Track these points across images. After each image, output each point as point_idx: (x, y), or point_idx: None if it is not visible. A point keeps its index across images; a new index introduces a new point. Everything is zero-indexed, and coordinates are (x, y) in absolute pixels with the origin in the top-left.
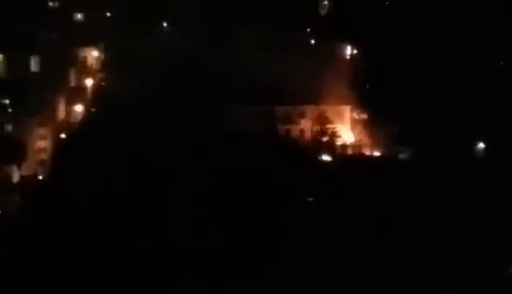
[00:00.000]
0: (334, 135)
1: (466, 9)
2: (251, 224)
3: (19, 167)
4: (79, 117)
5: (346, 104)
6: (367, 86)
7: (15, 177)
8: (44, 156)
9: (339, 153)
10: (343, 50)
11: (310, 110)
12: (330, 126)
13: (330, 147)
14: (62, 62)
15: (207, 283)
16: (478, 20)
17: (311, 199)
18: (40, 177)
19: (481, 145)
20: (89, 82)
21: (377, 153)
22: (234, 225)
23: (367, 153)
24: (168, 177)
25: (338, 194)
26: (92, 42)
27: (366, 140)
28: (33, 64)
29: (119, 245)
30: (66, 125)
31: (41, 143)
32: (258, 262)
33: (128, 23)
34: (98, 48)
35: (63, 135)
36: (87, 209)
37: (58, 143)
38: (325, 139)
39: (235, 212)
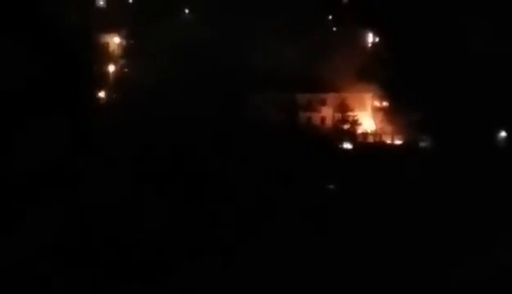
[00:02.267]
0: (355, 122)
1: None
2: (271, 210)
3: None
4: (101, 103)
5: (367, 91)
6: (389, 74)
7: None
8: None
9: (359, 140)
10: (365, 37)
11: (331, 98)
12: (351, 113)
13: (351, 135)
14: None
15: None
16: (506, 7)
17: (331, 187)
18: None
19: (503, 134)
20: (111, 68)
21: (398, 142)
22: (254, 212)
23: (388, 141)
24: (191, 166)
25: (358, 182)
26: (113, 29)
27: (387, 128)
28: None
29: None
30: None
31: None
32: (277, 247)
33: (149, 9)
34: (120, 34)
35: None
36: (110, 195)
37: None
38: (346, 126)
39: (255, 198)
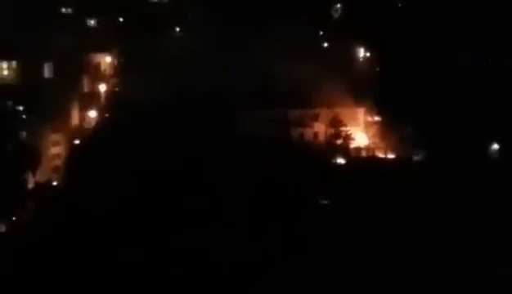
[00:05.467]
0: (347, 137)
1: (483, 9)
2: (265, 226)
3: (33, 174)
4: (93, 122)
5: (359, 106)
6: (381, 89)
7: (30, 184)
8: (58, 162)
9: (352, 155)
10: (357, 52)
11: (323, 113)
12: (343, 128)
13: (344, 150)
14: (75, 68)
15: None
16: (494, 21)
17: (325, 202)
18: (55, 184)
19: (495, 147)
20: (102, 87)
21: (391, 156)
22: (248, 228)
23: (381, 155)
24: (184, 183)
25: (352, 197)
26: (104, 48)
27: (379, 142)
28: (47, 71)
29: (130, 254)
30: (80, 131)
31: (55, 149)
32: (272, 263)
33: (140, 28)
34: (111, 53)
35: (77, 141)
36: (101, 216)
37: (72, 149)
38: (338, 142)
39: (249, 215)
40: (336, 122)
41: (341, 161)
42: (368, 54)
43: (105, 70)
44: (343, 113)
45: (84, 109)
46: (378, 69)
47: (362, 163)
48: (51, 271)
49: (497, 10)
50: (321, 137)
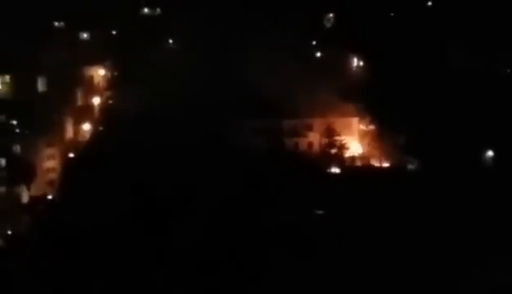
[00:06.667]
0: (342, 147)
1: (473, 16)
2: (260, 236)
3: (28, 188)
4: (87, 135)
5: (353, 115)
6: (374, 97)
7: (25, 198)
8: (53, 176)
9: (347, 165)
10: (349, 62)
11: (317, 123)
12: (337, 138)
13: (339, 159)
14: (69, 81)
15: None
16: (485, 27)
17: (320, 212)
18: (50, 197)
19: (489, 153)
20: (96, 100)
21: (386, 165)
22: (243, 238)
23: (376, 164)
24: (178, 197)
25: (347, 207)
26: (98, 61)
27: (374, 151)
28: (40, 85)
29: (126, 266)
30: (74, 144)
31: (49, 163)
32: (266, 275)
33: (133, 41)
34: (104, 66)
35: (71, 155)
36: (96, 230)
37: (67, 162)
38: (333, 151)
39: (244, 225)
40: (330, 132)
41: (336, 170)
42: (361, 63)
43: (98, 83)
44: (338, 122)
45: (78, 122)
46: (371, 78)
47: (357, 172)
48: (45, 284)
49: (489, 15)
50: (316, 147)
